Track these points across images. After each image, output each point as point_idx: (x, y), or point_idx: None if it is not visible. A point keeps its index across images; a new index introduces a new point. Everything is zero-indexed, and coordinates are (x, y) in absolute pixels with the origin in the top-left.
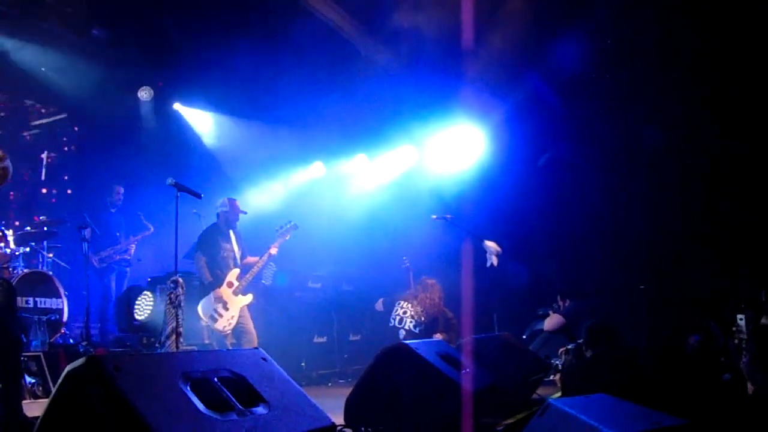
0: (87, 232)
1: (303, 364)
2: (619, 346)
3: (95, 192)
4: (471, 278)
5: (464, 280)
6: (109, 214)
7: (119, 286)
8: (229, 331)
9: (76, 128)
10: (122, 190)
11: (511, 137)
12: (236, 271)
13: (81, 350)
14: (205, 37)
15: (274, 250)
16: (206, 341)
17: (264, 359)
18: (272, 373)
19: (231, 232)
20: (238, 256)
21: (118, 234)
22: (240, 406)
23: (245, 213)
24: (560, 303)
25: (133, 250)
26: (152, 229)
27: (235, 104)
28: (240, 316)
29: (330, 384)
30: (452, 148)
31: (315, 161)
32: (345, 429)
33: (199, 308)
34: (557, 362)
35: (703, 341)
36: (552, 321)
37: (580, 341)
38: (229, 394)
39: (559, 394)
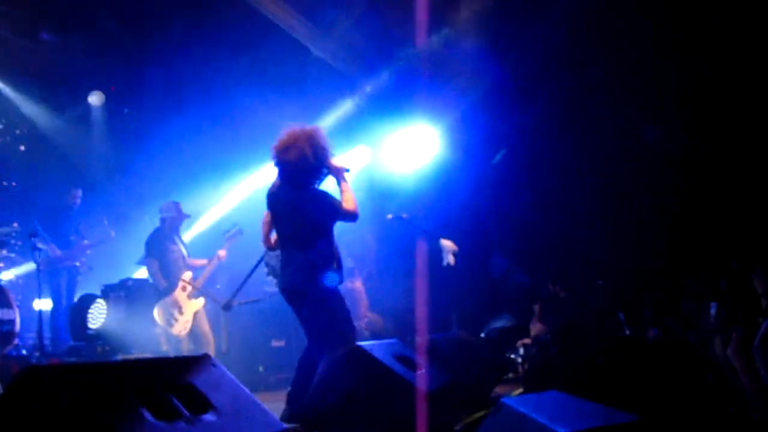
0: (38, 242)
1: (261, 368)
2: (583, 343)
3: (49, 195)
4: (427, 278)
5: (420, 280)
6: (64, 217)
7: (70, 295)
8: (184, 335)
9: (17, 131)
10: (80, 193)
11: (467, 135)
12: (189, 274)
13: (34, 361)
14: (154, 40)
15: (223, 254)
16: (163, 348)
17: (213, 365)
18: (221, 380)
19: (175, 236)
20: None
21: (72, 238)
22: (188, 414)
23: (189, 217)
24: (552, 287)
25: (87, 253)
26: (113, 234)
27: (186, 106)
28: (195, 320)
29: (289, 388)
30: (407, 147)
31: (268, 161)
32: None
33: (155, 313)
34: (517, 357)
35: (661, 335)
36: (537, 329)
37: (546, 337)
38: (176, 401)
39: (517, 392)
